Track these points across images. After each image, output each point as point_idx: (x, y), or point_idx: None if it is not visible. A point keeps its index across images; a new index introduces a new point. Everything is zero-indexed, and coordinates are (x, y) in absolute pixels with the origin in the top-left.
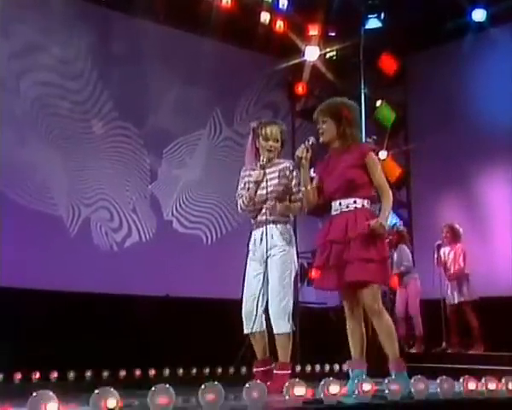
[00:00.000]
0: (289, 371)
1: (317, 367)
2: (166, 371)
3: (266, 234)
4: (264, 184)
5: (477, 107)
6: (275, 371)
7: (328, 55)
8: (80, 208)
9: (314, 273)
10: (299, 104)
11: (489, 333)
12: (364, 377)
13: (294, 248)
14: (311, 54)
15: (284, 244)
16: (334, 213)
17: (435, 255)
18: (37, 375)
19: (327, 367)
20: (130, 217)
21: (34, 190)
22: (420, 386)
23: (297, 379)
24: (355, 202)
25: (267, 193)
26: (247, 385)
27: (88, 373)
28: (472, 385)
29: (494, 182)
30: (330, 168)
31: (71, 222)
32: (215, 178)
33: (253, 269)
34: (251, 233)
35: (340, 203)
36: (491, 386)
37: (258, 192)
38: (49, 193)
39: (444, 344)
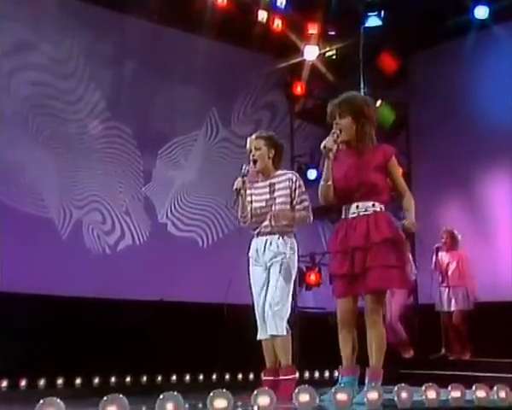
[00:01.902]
0: (295, 376)
1: (317, 374)
2: (159, 378)
3: (270, 243)
4: (262, 197)
5: (480, 106)
6: (280, 377)
7: (327, 55)
8: (72, 211)
9: (335, 283)
10: (297, 105)
11: (492, 339)
12: (356, 383)
13: (296, 258)
14: (310, 53)
15: (288, 251)
16: (350, 215)
17: (433, 259)
18: (23, 382)
19: (326, 374)
20: (124, 219)
21: (24, 192)
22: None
23: (306, 385)
24: (374, 205)
25: (271, 205)
26: (255, 392)
27: (78, 380)
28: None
29: (497, 184)
30: (348, 168)
31: (62, 225)
32: (211, 180)
33: (258, 275)
34: (251, 241)
35: (357, 206)
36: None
37: (257, 205)
38: (39, 195)
39: (443, 350)
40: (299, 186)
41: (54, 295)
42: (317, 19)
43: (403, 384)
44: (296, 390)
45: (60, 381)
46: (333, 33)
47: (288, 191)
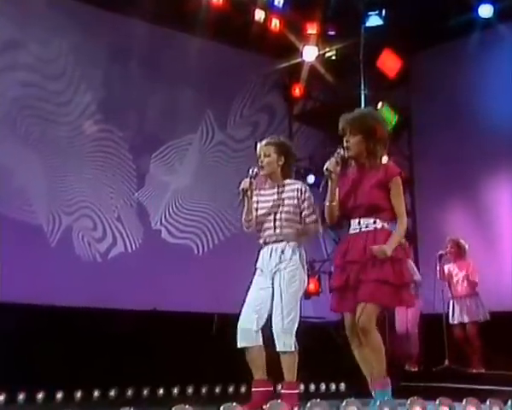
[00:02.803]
0: (297, 391)
1: (322, 386)
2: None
3: (275, 250)
4: (268, 204)
5: (485, 108)
6: (282, 391)
7: (326, 55)
8: (61, 217)
9: (331, 296)
10: (296, 107)
11: (497, 351)
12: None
13: (305, 268)
14: (309, 54)
15: (295, 259)
16: (352, 231)
17: (437, 267)
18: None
19: (332, 387)
20: (115, 226)
21: (11, 197)
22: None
23: (318, 400)
24: (375, 222)
25: (276, 212)
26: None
27: (59, 395)
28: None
29: (503, 187)
30: (352, 184)
31: (51, 231)
32: (207, 185)
33: (259, 282)
34: (259, 252)
35: (359, 222)
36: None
37: (262, 211)
38: (27, 200)
39: (446, 362)
40: (309, 198)
41: (42, 304)
42: (316, 18)
43: (415, 398)
44: (308, 405)
45: (40, 395)
46: (332, 33)
47: (295, 201)
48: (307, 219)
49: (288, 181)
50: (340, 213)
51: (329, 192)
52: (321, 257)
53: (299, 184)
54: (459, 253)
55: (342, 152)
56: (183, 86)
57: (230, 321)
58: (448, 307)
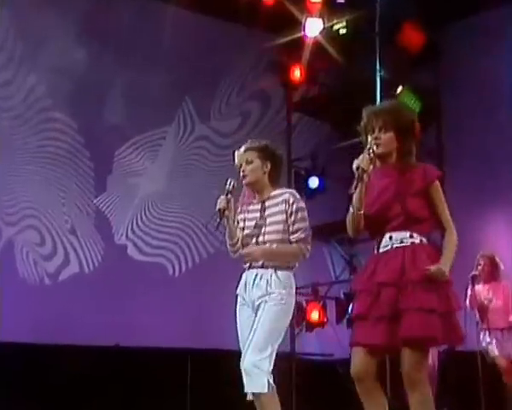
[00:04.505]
0: None
1: None
2: None
3: (260, 278)
4: (253, 222)
5: None
6: None
7: (334, 29)
8: (1, 228)
9: (354, 325)
10: (296, 93)
11: None
12: None
13: (293, 302)
14: (313, 27)
15: (283, 293)
16: (381, 249)
17: (469, 291)
18: None
19: None
20: (68, 240)
21: None
22: None
23: None
24: (412, 236)
25: (259, 234)
26: None
27: None
28: None
29: None
30: (379, 191)
31: None
32: (185, 190)
33: (245, 317)
34: (241, 276)
35: (390, 237)
36: None
37: (248, 232)
38: None
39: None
40: (297, 211)
41: None
42: None
43: None
44: None
45: None
46: (342, 1)
47: (282, 217)
48: (291, 237)
49: (273, 193)
50: (365, 226)
51: (358, 197)
52: (327, 279)
53: (286, 195)
54: (493, 272)
55: (375, 148)
56: (156, 67)
57: (211, 360)
58: (480, 342)
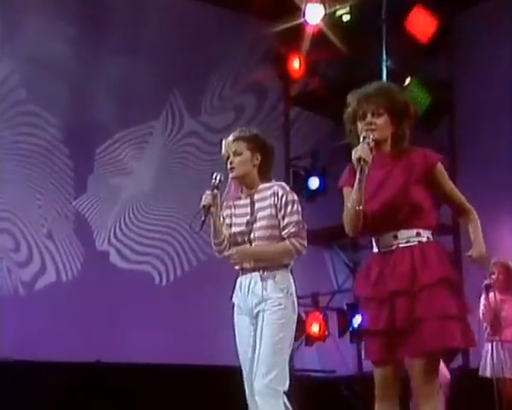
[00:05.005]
0: None
1: None
2: None
3: (255, 283)
4: (243, 219)
5: None
6: None
7: (337, 15)
8: None
9: (371, 342)
10: (295, 86)
11: None
12: None
13: (295, 304)
14: (314, 14)
15: (281, 297)
16: (383, 249)
17: (482, 301)
18: None
19: None
20: (45, 246)
21: None
22: None
23: None
24: (418, 233)
25: (250, 231)
26: None
27: None
28: None
29: None
30: (376, 183)
31: None
32: (173, 191)
33: (243, 327)
34: (235, 282)
35: (395, 236)
36: None
37: (237, 229)
38: None
39: None
40: (287, 204)
41: None
42: None
43: None
44: None
45: None
46: None
47: (272, 211)
48: (283, 233)
49: (261, 186)
50: (365, 223)
51: (357, 192)
52: (328, 288)
53: (275, 187)
54: (509, 282)
55: (373, 136)
56: (141, 57)
57: (201, 377)
58: (489, 354)
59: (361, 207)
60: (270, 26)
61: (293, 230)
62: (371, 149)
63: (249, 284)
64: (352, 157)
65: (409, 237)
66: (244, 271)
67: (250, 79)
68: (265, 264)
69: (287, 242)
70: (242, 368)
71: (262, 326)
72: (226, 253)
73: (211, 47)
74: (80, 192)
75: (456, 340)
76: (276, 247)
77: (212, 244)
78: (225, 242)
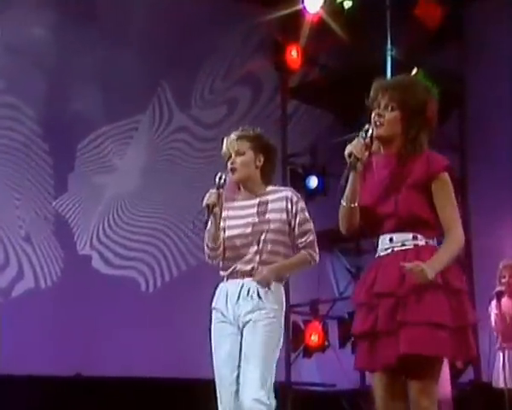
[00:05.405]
0: None
1: None
2: None
3: (248, 291)
4: (241, 222)
5: None
6: None
7: (338, 2)
8: None
9: (358, 347)
10: (293, 77)
11: None
12: None
13: (283, 318)
14: (313, 0)
15: (276, 309)
16: (381, 252)
17: (493, 309)
18: None
19: None
20: (22, 249)
21: None
22: None
23: None
24: (415, 237)
25: (261, 233)
26: None
27: None
28: None
29: None
30: (377, 183)
31: None
32: (160, 190)
33: (225, 332)
34: (217, 286)
35: (391, 239)
36: None
37: (233, 232)
38: None
39: None
40: (302, 210)
41: None
42: None
43: None
44: None
45: None
46: None
47: (283, 216)
48: (299, 241)
49: (271, 188)
50: (363, 224)
51: (350, 188)
52: (328, 295)
53: (288, 192)
54: None
55: (372, 130)
56: (127, 46)
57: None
58: (504, 367)
59: (355, 205)
60: (265, 13)
61: (310, 239)
62: (367, 146)
63: (240, 290)
64: (345, 152)
65: (404, 240)
66: (232, 276)
67: (244, 70)
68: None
69: (304, 252)
70: (217, 380)
71: (253, 338)
72: (256, 278)
73: (202, 35)
74: (60, 191)
75: (441, 349)
76: (297, 259)
77: (206, 248)
78: (221, 247)
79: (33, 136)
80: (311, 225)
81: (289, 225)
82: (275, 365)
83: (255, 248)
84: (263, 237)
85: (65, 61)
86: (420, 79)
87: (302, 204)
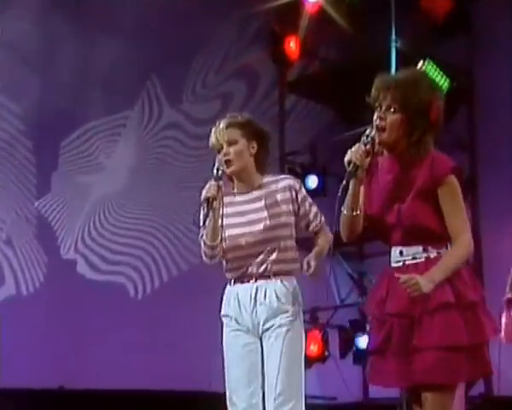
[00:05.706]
0: None
1: None
2: None
3: (265, 293)
4: (243, 219)
5: None
6: None
7: None
8: None
9: (370, 361)
10: (291, 71)
11: None
12: None
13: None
14: None
15: (295, 311)
16: (393, 264)
17: (504, 320)
18: None
19: None
20: (3, 253)
21: None
22: None
23: None
24: (425, 249)
25: (273, 229)
26: None
27: None
28: None
29: None
30: (383, 190)
31: None
32: (150, 191)
33: (240, 342)
34: (224, 290)
35: (401, 252)
36: None
37: (235, 231)
38: None
39: None
40: (305, 194)
41: None
42: None
43: None
44: None
45: None
46: None
47: (289, 207)
48: (314, 225)
49: (270, 178)
50: (373, 233)
51: (351, 195)
52: (329, 302)
53: (289, 181)
54: None
55: (374, 134)
56: (115, 38)
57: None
58: None
59: (357, 213)
60: (262, 1)
61: (322, 219)
62: (368, 152)
63: (255, 294)
64: (345, 159)
65: (415, 253)
66: (243, 279)
67: (239, 63)
68: (280, 270)
69: (323, 235)
70: (229, 394)
71: (280, 346)
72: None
73: (194, 25)
74: (43, 191)
75: (457, 375)
76: (325, 243)
77: (204, 246)
78: (219, 246)
79: (15, 132)
80: (316, 207)
81: (295, 215)
82: (303, 370)
83: (268, 247)
84: (276, 234)
85: (48, 54)
86: (426, 73)
87: (302, 187)
